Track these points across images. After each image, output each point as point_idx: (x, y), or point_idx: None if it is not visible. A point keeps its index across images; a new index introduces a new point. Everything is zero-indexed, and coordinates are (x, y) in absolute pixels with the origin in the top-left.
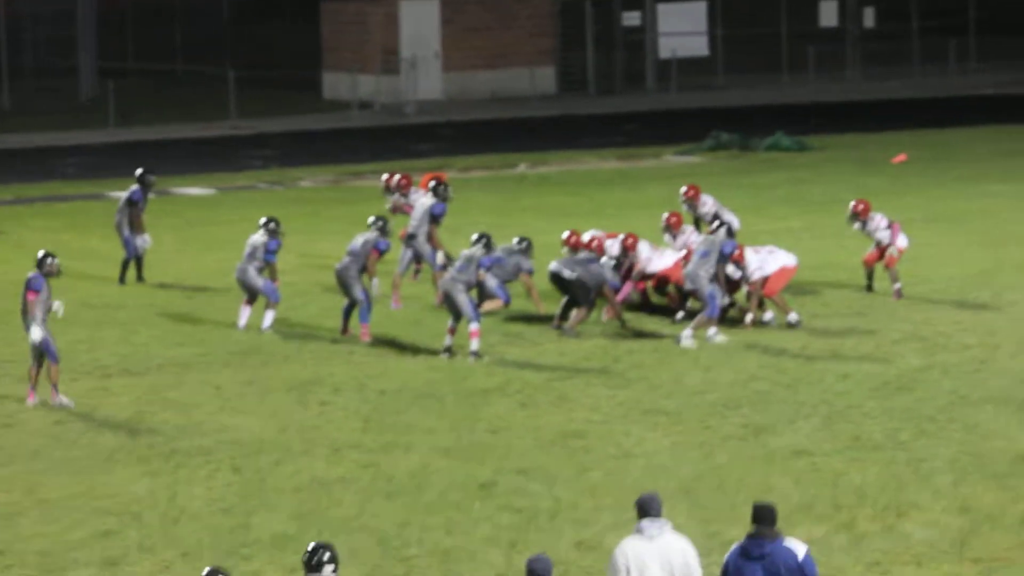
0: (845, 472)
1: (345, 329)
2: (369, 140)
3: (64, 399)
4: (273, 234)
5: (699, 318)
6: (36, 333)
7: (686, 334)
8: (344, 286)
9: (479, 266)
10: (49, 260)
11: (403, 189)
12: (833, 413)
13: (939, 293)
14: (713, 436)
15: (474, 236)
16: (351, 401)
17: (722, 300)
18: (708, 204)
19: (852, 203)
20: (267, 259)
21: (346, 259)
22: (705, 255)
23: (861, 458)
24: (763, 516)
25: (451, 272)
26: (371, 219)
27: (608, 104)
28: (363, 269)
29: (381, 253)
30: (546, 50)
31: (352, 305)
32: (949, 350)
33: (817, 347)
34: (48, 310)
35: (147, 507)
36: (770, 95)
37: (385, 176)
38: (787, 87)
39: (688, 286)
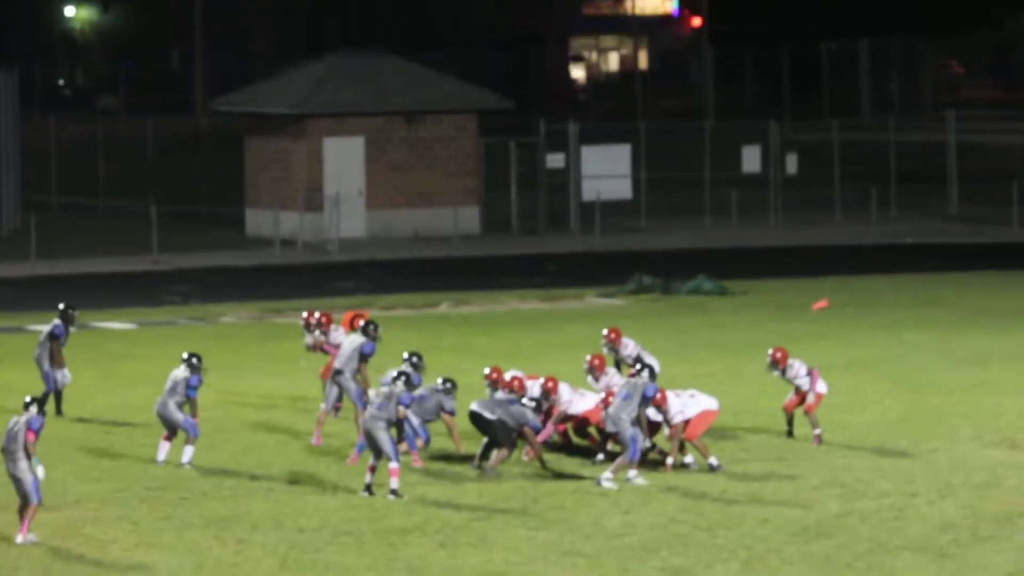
0: None
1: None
2: (292, 277)
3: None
4: (195, 369)
5: (619, 460)
6: (40, 471)
7: (606, 476)
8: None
9: (399, 403)
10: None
11: (323, 327)
12: (752, 558)
13: (858, 440)
14: None
15: (393, 373)
16: (269, 538)
17: (643, 443)
18: (629, 347)
19: (770, 351)
20: (188, 394)
21: (373, 408)
22: (627, 397)
23: None
24: None
25: (371, 410)
26: (405, 355)
27: (531, 245)
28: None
29: (404, 407)
30: (470, 190)
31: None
32: (868, 497)
33: (737, 491)
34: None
35: None
36: (692, 239)
37: (305, 314)
38: (709, 231)
39: (610, 428)
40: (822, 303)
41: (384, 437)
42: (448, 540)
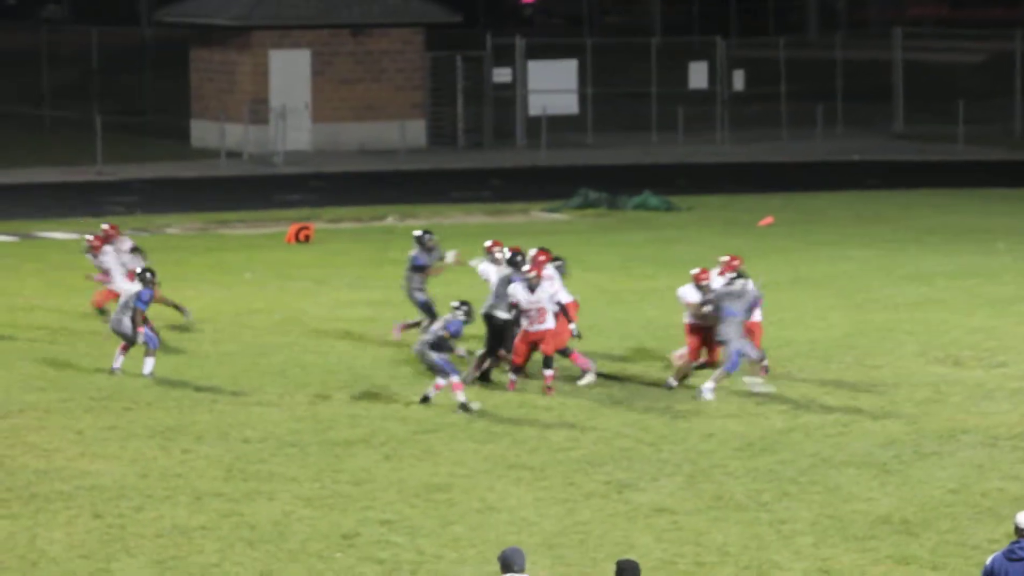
0: (707, 531)
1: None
2: (237, 189)
3: None
4: (147, 283)
5: (719, 372)
6: None
7: (708, 387)
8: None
9: (446, 329)
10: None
11: (94, 249)
12: (696, 472)
13: (803, 356)
14: (576, 492)
15: (454, 303)
16: (214, 449)
17: (754, 353)
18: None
19: (694, 271)
20: (136, 306)
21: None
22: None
23: (723, 517)
24: (626, 572)
25: (422, 337)
26: (455, 303)
27: (477, 159)
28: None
29: (452, 335)
30: (416, 104)
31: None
32: (812, 412)
33: (681, 407)
34: None
35: (5, 551)
36: (639, 155)
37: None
38: (656, 147)
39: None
40: (768, 220)
41: (435, 359)
42: (393, 452)
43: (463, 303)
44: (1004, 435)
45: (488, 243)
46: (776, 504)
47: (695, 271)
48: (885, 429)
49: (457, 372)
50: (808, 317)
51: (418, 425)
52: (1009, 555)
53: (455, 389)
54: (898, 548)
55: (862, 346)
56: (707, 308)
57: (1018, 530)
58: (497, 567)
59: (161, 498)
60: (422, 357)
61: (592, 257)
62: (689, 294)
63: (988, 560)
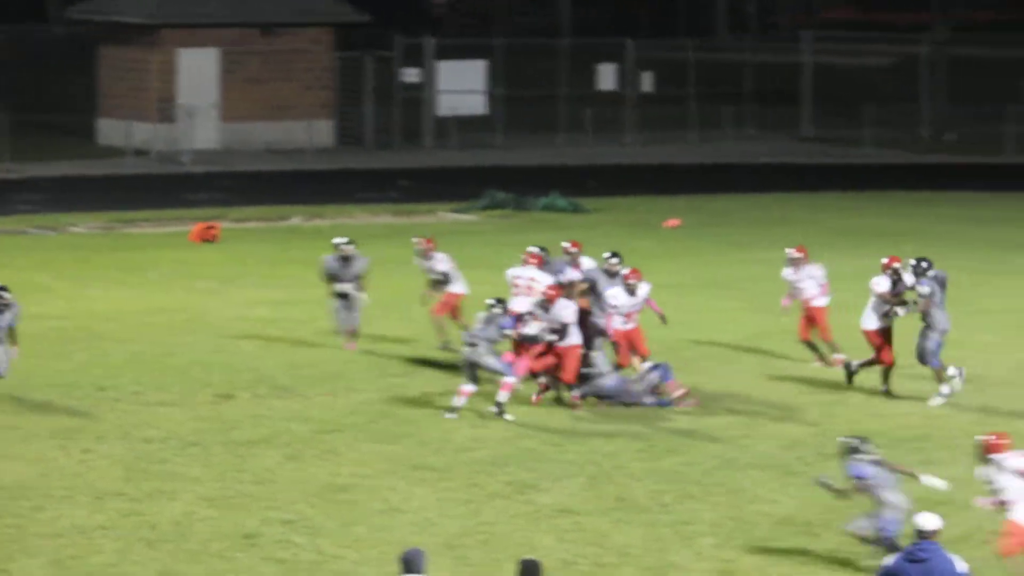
0: (609, 532)
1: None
2: (144, 188)
3: None
4: None
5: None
6: None
7: (944, 391)
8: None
9: (500, 328)
10: None
11: None
12: (599, 473)
13: (708, 358)
14: (480, 493)
15: (490, 301)
16: (115, 449)
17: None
18: (442, 262)
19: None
20: None
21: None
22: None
23: (625, 519)
24: (529, 573)
25: (469, 341)
26: (489, 301)
27: (385, 159)
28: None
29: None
30: (324, 104)
31: None
32: (716, 414)
33: (586, 408)
34: None
35: None
36: (547, 156)
37: None
38: (564, 148)
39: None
40: (674, 221)
41: (490, 359)
42: (296, 453)
43: (499, 300)
44: (906, 436)
45: (566, 244)
46: (678, 506)
47: (885, 260)
48: (788, 431)
49: (513, 373)
50: (715, 319)
51: (321, 426)
52: (909, 556)
53: (503, 388)
54: (800, 549)
55: (768, 348)
56: (922, 296)
57: (918, 532)
58: (398, 568)
59: (60, 498)
60: (477, 362)
61: (498, 258)
62: (881, 284)
63: (889, 561)
